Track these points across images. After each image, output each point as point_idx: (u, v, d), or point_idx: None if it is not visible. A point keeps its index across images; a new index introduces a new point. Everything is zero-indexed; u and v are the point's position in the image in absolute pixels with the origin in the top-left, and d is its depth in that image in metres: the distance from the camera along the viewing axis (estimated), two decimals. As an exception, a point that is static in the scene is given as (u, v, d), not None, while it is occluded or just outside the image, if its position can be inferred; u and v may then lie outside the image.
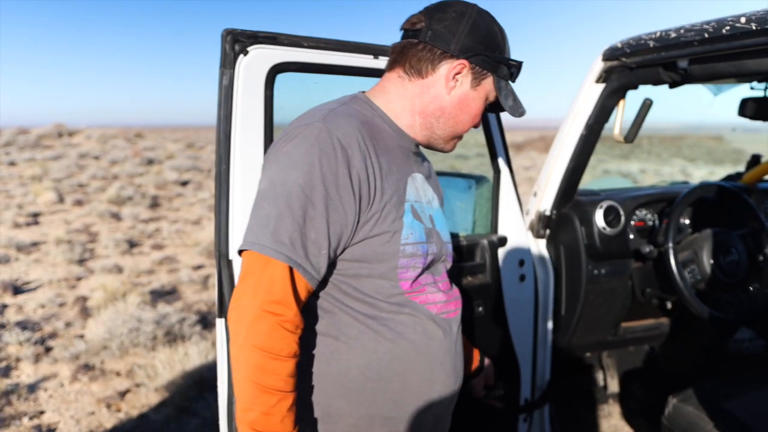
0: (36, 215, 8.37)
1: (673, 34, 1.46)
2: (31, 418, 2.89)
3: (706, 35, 1.36)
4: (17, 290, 4.97)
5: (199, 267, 5.98)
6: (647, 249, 1.90)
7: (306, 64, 1.31)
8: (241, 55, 1.22)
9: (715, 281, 1.85)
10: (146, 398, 3.11)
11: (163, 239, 7.29)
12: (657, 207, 2.09)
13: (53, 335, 4.01)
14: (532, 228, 1.96)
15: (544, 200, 1.94)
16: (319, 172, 0.86)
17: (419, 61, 0.98)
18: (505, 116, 1.47)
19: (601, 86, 1.75)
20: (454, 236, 1.66)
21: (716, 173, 18.12)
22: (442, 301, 1.02)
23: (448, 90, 0.98)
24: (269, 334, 0.84)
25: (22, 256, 6.15)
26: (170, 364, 3.26)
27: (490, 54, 0.97)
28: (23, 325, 4.10)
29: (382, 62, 1.41)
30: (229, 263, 1.27)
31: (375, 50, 1.39)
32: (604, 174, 15.39)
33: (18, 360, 3.57)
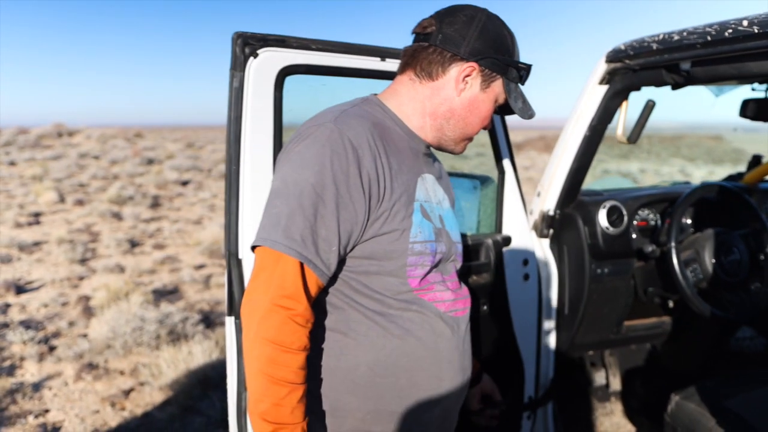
0: (37, 215, 8.39)
1: (676, 37, 1.48)
2: (36, 417, 2.91)
3: (709, 38, 1.38)
4: (20, 289, 4.99)
5: (200, 266, 5.99)
6: (650, 248, 1.92)
7: (314, 67, 1.33)
8: (251, 58, 1.24)
9: (716, 280, 1.87)
10: (150, 397, 3.12)
11: (164, 239, 7.30)
12: (659, 207, 2.11)
13: (57, 334, 4.03)
14: (535, 228, 1.98)
15: (548, 200, 1.96)
16: (330, 172, 0.88)
17: (429, 64, 1.00)
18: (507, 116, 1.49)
19: (605, 88, 1.77)
20: (461, 236, 1.68)
21: (716, 173, 18.16)
22: (450, 299, 1.04)
23: (458, 92, 1.00)
24: (280, 328, 0.86)
25: (24, 255, 6.16)
26: (174, 363, 3.27)
27: (500, 57, 0.99)
28: (27, 324, 4.12)
29: (389, 64, 1.43)
30: (239, 262, 1.28)
31: (382, 52, 1.41)
32: (603, 174, 15.42)
33: (22, 359, 3.59)
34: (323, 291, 0.98)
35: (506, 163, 1.78)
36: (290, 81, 1.30)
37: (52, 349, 3.76)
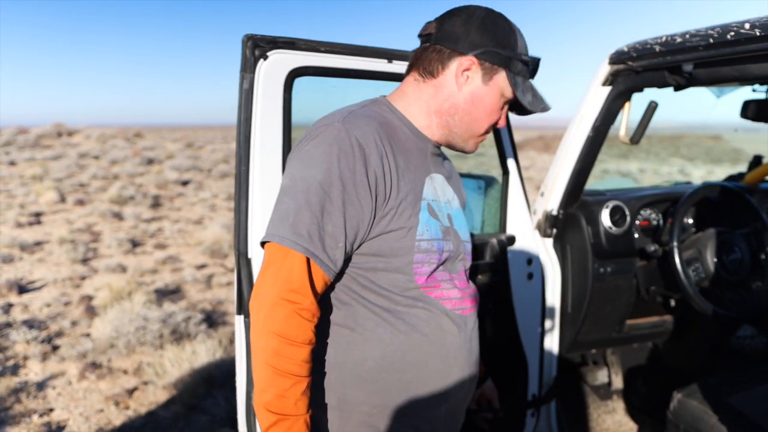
0: (38, 215, 8.39)
1: (679, 39, 1.49)
2: (40, 416, 2.92)
3: (711, 40, 1.40)
4: (22, 289, 5.00)
5: (202, 266, 6.01)
6: (652, 248, 1.94)
7: (323, 68, 1.34)
8: (261, 60, 1.26)
9: (718, 279, 1.89)
10: (154, 396, 3.14)
11: (165, 239, 7.31)
12: (661, 207, 2.13)
13: (60, 334, 4.04)
14: (539, 227, 2.00)
15: (551, 200, 1.98)
16: (337, 170, 0.91)
17: (431, 63, 1.02)
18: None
19: (608, 89, 1.79)
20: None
21: (715, 172, 18.19)
22: (457, 297, 1.05)
23: (459, 87, 1.01)
24: (286, 321, 0.89)
25: (25, 255, 6.17)
26: (178, 362, 3.29)
27: (500, 50, 1.00)
28: (30, 324, 4.13)
29: (396, 66, 1.45)
30: (248, 261, 1.30)
31: (389, 54, 1.43)
32: (603, 173, 15.45)
33: (26, 358, 3.60)
34: (332, 287, 1.00)
35: (510, 163, 1.80)
36: (299, 83, 1.32)
37: (55, 348, 3.77)
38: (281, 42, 1.27)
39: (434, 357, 1.01)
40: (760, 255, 1.94)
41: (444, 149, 1.13)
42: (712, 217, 2.07)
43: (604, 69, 1.76)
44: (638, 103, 1.83)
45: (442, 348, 1.02)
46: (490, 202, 1.86)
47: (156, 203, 9.81)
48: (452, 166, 1.20)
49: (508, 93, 1.03)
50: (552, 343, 1.98)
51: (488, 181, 1.89)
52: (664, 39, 1.55)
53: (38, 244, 6.66)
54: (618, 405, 2.39)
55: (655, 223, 2.11)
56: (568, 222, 2.01)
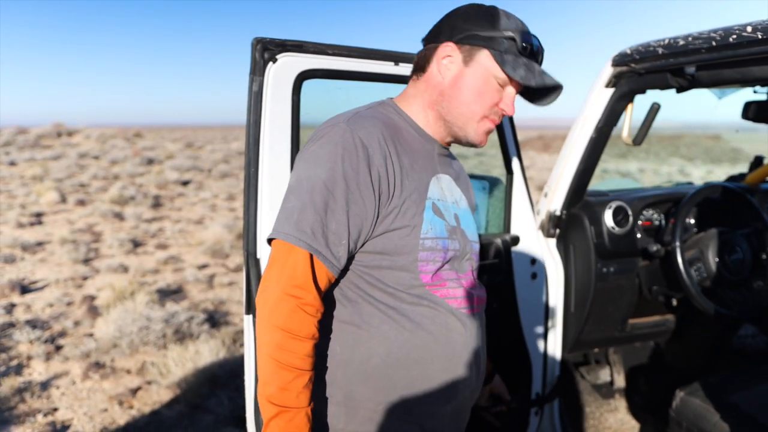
0: (39, 215, 8.40)
1: (682, 42, 1.51)
2: (45, 415, 2.93)
3: (714, 43, 1.42)
4: (24, 289, 5.01)
5: (203, 266, 6.02)
6: (654, 248, 1.96)
7: (331, 71, 1.36)
8: (270, 63, 1.27)
9: (720, 279, 1.91)
10: (158, 395, 3.15)
11: (166, 239, 7.33)
12: (663, 207, 2.15)
13: (63, 334, 4.06)
14: (542, 227, 2.02)
15: (555, 201, 1.99)
16: (341, 169, 0.93)
17: (420, 60, 1.07)
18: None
19: (611, 91, 1.80)
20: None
21: (714, 172, 18.21)
22: (464, 296, 1.07)
23: (442, 75, 1.03)
24: (290, 316, 0.91)
25: (27, 255, 6.18)
26: (182, 362, 3.30)
27: (479, 31, 1.00)
28: (33, 324, 4.14)
29: (402, 68, 1.46)
30: (257, 262, 1.32)
31: (395, 57, 1.45)
32: (603, 173, 15.46)
33: (29, 358, 3.62)
34: (338, 284, 1.02)
35: (514, 164, 1.82)
36: (307, 85, 1.34)
37: (58, 348, 3.78)
38: (290, 45, 1.29)
39: (440, 355, 1.03)
40: (762, 255, 1.96)
41: (455, 149, 1.15)
42: (714, 218, 2.09)
43: (607, 71, 1.78)
44: (641, 104, 1.85)
45: (448, 346, 1.03)
46: (494, 203, 1.88)
47: (157, 203, 9.82)
48: (461, 167, 1.21)
49: (498, 72, 1.00)
50: (555, 342, 1.99)
51: (492, 182, 1.91)
52: (666, 41, 1.56)
53: (40, 244, 6.67)
54: (620, 404, 2.40)
55: (657, 223, 2.12)
56: (571, 222, 2.03)
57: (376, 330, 1.00)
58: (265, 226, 1.31)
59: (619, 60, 1.73)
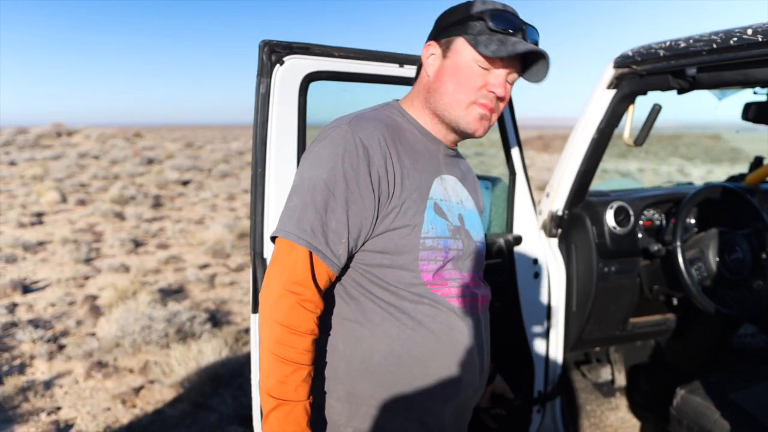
0: (40, 215, 8.41)
1: (683, 44, 1.53)
2: (48, 414, 2.95)
3: (715, 45, 1.43)
4: (26, 289, 5.02)
5: (204, 266, 6.03)
6: (655, 247, 1.98)
7: (337, 73, 1.38)
8: (278, 65, 1.29)
9: (720, 278, 1.93)
10: (161, 394, 3.16)
11: (167, 239, 7.34)
12: (664, 207, 2.16)
13: (65, 333, 4.07)
14: (544, 227, 2.03)
15: (557, 201, 2.01)
16: (341, 169, 0.96)
17: (417, 67, 1.12)
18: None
19: (612, 92, 1.82)
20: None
21: (714, 172, 18.24)
22: (466, 295, 1.08)
23: (428, 73, 1.07)
24: (289, 312, 0.94)
25: (28, 255, 6.19)
26: (185, 361, 3.32)
27: (453, 21, 1.03)
28: (35, 324, 4.15)
29: (407, 70, 1.48)
30: (264, 262, 1.33)
31: (400, 59, 1.46)
32: (602, 173, 15.50)
33: (32, 357, 3.63)
34: (341, 282, 1.04)
35: (517, 164, 1.83)
36: (314, 87, 1.35)
37: (61, 347, 3.80)
38: (297, 47, 1.31)
39: (441, 353, 1.04)
40: (761, 254, 1.97)
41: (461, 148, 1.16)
42: (714, 218, 2.10)
43: (609, 72, 1.79)
44: (642, 105, 1.86)
45: (450, 345, 1.05)
46: (496, 203, 1.89)
47: (157, 203, 9.83)
48: (469, 168, 1.23)
49: (476, 55, 1.00)
50: (557, 341, 2.01)
51: (495, 182, 1.92)
52: (668, 43, 1.58)
53: (41, 244, 6.68)
54: (621, 402, 2.42)
55: (658, 223, 2.14)
56: (573, 222, 2.04)
57: (378, 327, 1.02)
58: (271, 226, 1.32)
59: (621, 62, 1.74)
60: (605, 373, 2.47)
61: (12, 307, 4.53)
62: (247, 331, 4.02)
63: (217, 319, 4.31)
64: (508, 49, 0.97)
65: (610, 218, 2.01)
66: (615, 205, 2.02)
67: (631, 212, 2.05)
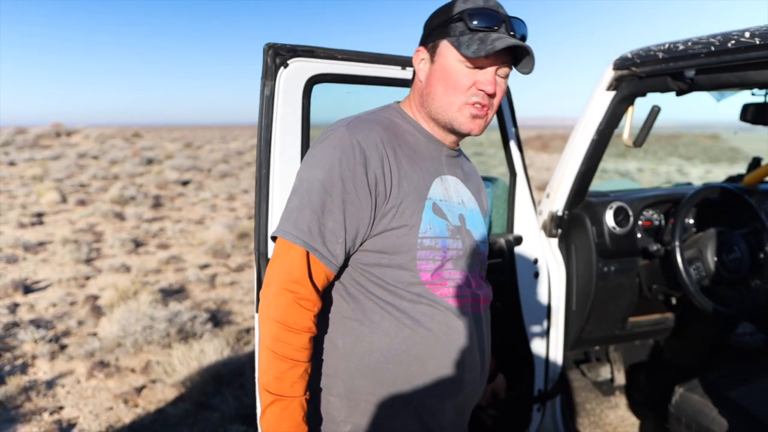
0: (40, 215, 8.41)
1: (681, 47, 1.55)
2: (51, 414, 2.96)
3: (713, 48, 1.45)
4: (27, 289, 5.03)
5: (205, 266, 6.04)
6: (654, 247, 2.00)
7: (340, 75, 1.39)
8: (282, 68, 1.30)
9: (718, 278, 1.95)
10: (162, 394, 3.18)
11: (167, 239, 7.35)
12: (663, 207, 2.18)
13: (67, 333, 4.08)
14: (544, 228, 2.05)
15: (557, 201, 2.03)
16: (339, 171, 0.98)
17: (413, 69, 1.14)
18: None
19: (612, 94, 1.84)
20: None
21: (713, 172, 18.27)
22: (465, 295, 1.09)
23: (421, 77, 1.09)
24: (286, 309, 0.96)
25: (29, 255, 6.20)
26: (187, 361, 3.33)
27: (436, 25, 1.05)
28: (36, 324, 4.16)
29: (409, 72, 1.50)
30: (268, 262, 1.35)
31: (403, 62, 1.48)
32: (601, 173, 15.52)
33: (34, 357, 3.64)
34: (341, 281, 1.06)
35: (518, 165, 1.85)
36: (317, 89, 1.37)
37: (63, 347, 3.81)
38: (301, 50, 1.32)
39: (440, 352, 1.05)
40: (759, 254, 2.00)
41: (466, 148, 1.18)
42: (713, 218, 2.12)
43: (609, 74, 1.81)
44: (641, 107, 1.88)
45: (448, 344, 1.06)
46: (497, 203, 1.91)
47: (157, 203, 9.84)
48: (473, 169, 1.24)
49: (460, 57, 1.01)
50: (557, 340, 2.03)
51: (495, 182, 1.94)
52: (666, 46, 1.60)
53: (41, 244, 6.69)
54: (620, 400, 2.44)
55: (657, 223, 2.16)
56: (573, 222, 2.06)
57: (377, 326, 1.03)
58: (275, 227, 1.34)
59: (620, 64, 1.76)
60: (605, 372, 2.49)
61: (13, 307, 4.54)
62: (248, 330, 4.04)
63: (218, 319, 4.33)
64: (487, 48, 0.98)
65: (609, 218, 2.03)
66: (614, 205, 2.04)
67: (631, 212, 2.07)
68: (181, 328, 3.87)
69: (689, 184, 2.61)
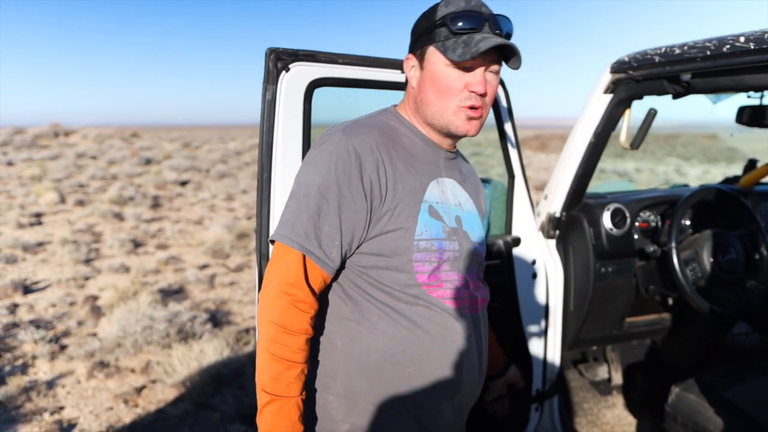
0: (39, 215, 8.41)
1: (677, 50, 1.57)
2: (51, 414, 2.97)
3: (708, 52, 1.47)
4: (27, 290, 5.04)
5: (204, 266, 6.05)
6: (651, 248, 2.02)
7: (341, 79, 1.41)
8: (284, 72, 1.32)
9: (714, 278, 1.97)
10: (163, 394, 3.19)
11: (166, 239, 7.35)
12: (660, 209, 2.21)
13: (66, 333, 4.09)
14: (542, 229, 2.07)
15: (555, 203, 2.05)
16: (335, 175, 1.00)
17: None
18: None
19: (609, 97, 1.86)
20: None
21: (711, 172, 18.32)
22: (462, 297, 1.10)
23: (413, 84, 1.11)
24: (284, 312, 0.98)
25: (28, 256, 6.20)
26: (186, 361, 3.34)
27: (422, 31, 1.07)
28: (36, 324, 4.17)
29: (409, 76, 1.51)
30: (269, 264, 1.36)
31: (402, 66, 1.49)
32: (600, 173, 15.55)
33: (34, 358, 3.65)
34: (340, 283, 1.08)
35: (516, 166, 1.87)
36: (318, 93, 1.38)
37: (63, 348, 3.82)
38: (302, 55, 1.34)
39: (436, 354, 1.07)
40: (754, 255, 2.02)
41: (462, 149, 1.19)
42: (709, 219, 2.15)
43: (606, 77, 1.83)
44: (638, 109, 1.90)
45: (446, 346, 1.07)
46: (496, 205, 1.93)
47: (156, 203, 9.84)
48: (472, 171, 1.26)
49: (447, 61, 1.03)
50: (555, 340, 2.05)
51: (494, 184, 1.96)
52: (663, 50, 1.62)
53: (40, 244, 6.69)
54: (618, 400, 2.46)
55: (654, 224, 2.18)
56: (570, 224, 2.08)
57: (374, 327, 1.05)
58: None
59: (617, 67, 1.78)
60: (602, 372, 2.51)
61: (13, 308, 4.55)
62: (247, 330, 4.05)
63: (217, 319, 4.34)
64: (471, 51, 0.99)
65: (606, 220, 2.05)
66: (612, 207, 2.06)
67: (628, 214, 2.09)
68: (181, 328, 3.88)
69: (686, 185, 2.63)
